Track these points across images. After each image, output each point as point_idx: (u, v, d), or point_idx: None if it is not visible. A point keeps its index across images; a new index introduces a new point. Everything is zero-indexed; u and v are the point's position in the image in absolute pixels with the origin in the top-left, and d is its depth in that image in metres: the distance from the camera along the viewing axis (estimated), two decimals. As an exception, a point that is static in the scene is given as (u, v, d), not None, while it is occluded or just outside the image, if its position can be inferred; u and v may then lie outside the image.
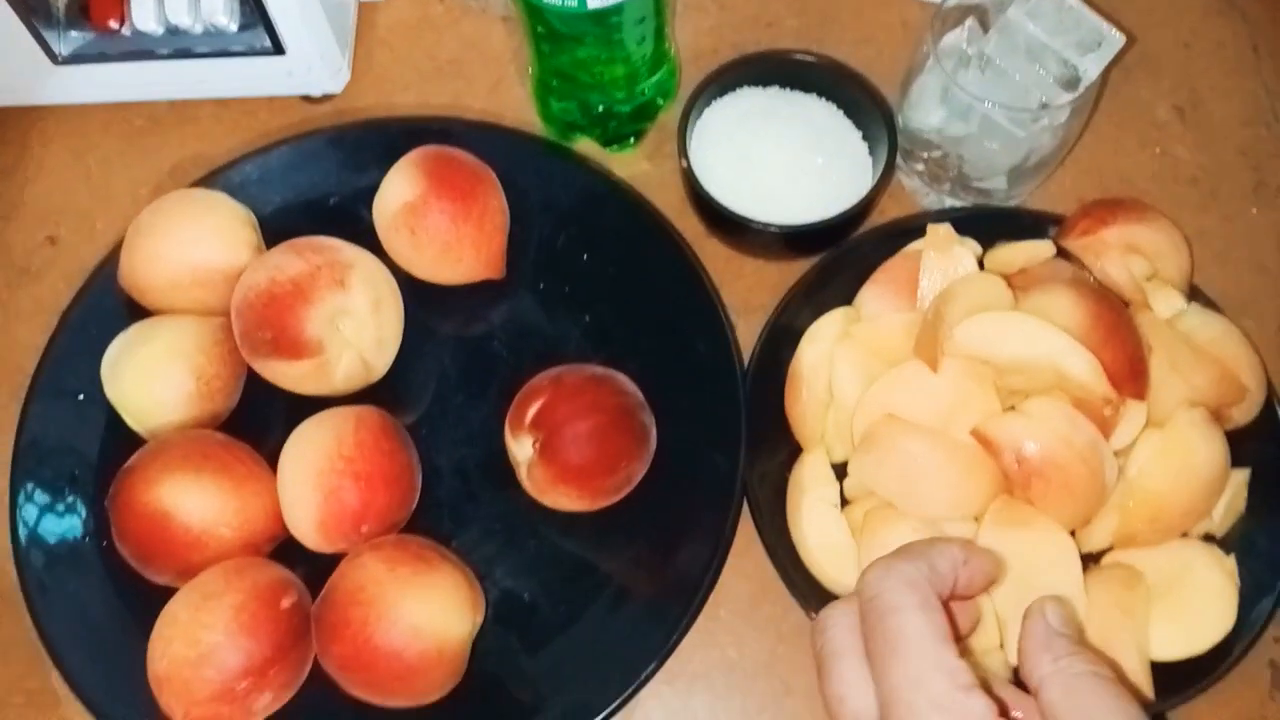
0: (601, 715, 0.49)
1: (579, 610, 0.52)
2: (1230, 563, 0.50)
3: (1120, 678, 0.46)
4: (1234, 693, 0.50)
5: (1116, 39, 0.51)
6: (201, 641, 0.45)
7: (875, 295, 0.54)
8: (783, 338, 0.55)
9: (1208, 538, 0.51)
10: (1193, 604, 0.49)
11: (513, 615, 0.52)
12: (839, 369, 0.52)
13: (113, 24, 0.58)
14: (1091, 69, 0.51)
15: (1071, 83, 0.52)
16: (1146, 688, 0.47)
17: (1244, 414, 0.51)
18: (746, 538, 0.53)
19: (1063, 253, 0.55)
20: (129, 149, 0.65)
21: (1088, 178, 0.62)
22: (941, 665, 0.34)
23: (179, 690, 0.45)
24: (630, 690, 0.49)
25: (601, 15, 0.52)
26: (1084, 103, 0.52)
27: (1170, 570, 0.49)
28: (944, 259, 0.53)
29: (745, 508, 0.53)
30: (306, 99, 0.65)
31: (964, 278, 0.52)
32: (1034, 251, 0.55)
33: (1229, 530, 0.51)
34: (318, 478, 0.48)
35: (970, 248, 0.54)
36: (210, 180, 0.60)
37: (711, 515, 0.52)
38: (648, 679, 0.49)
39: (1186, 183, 0.62)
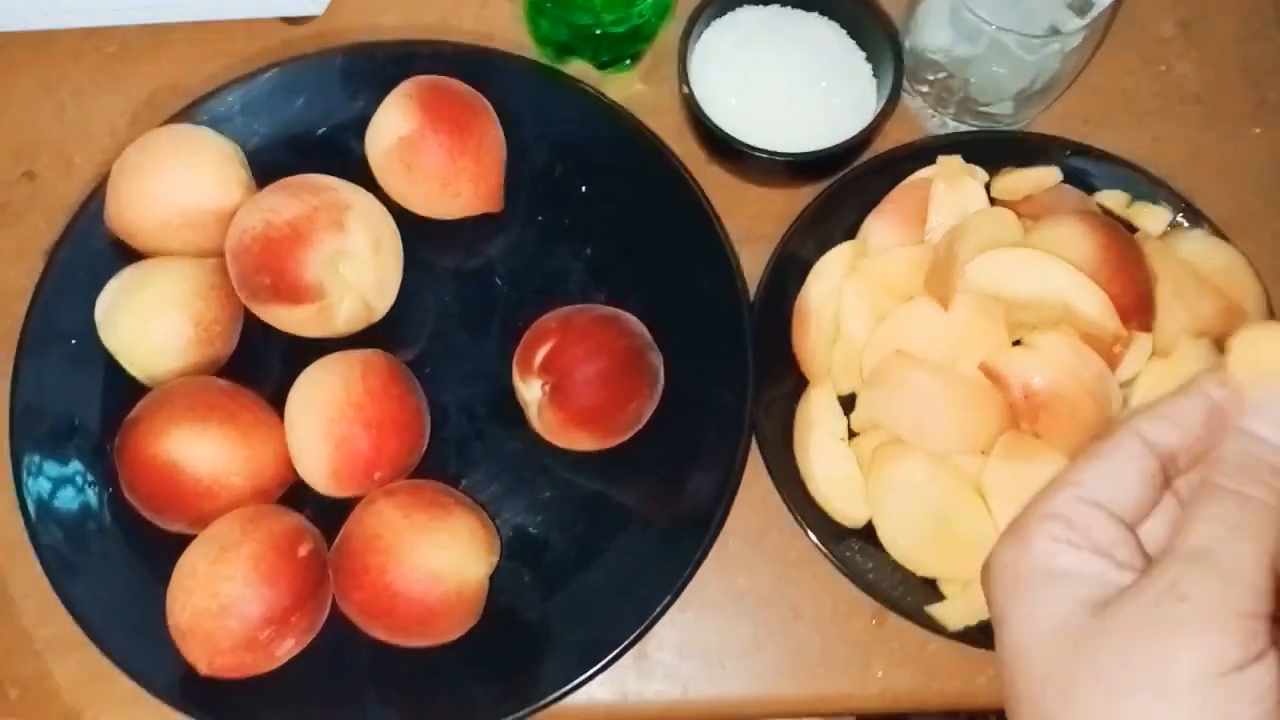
0: (618, 648, 0.50)
1: (592, 546, 0.53)
2: None
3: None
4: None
5: (1133, -38, 0.50)
6: (222, 593, 0.45)
7: (882, 226, 0.54)
8: (788, 269, 0.55)
9: None
10: None
11: (526, 552, 0.53)
12: (847, 304, 0.52)
13: (79, -53, 0.55)
14: (1106, -7, 0.50)
15: (1083, 7, 0.51)
16: None
17: None
18: (753, 469, 0.53)
19: (1069, 178, 0.55)
20: (102, 77, 0.62)
21: (1093, 97, 0.61)
22: (1075, 495, 0.33)
23: (203, 640, 0.45)
24: (645, 624, 0.50)
25: (601, -63, 0.50)
26: (1095, 28, 0.51)
27: None
28: (954, 192, 0.52)
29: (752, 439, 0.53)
30: (286, 21, 0.63)
31: (975, 213, 0.51)
32: (1041, 178, 0.55)
33: None
34: (328, 426, 0.48)
35: (978, 176, 0.54)
36: (191, 112, 0.57)
37: (721, 448, 0.53)
38: (663, 612, 0.50)
39: (1190, 101, 0.61)
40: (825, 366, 0.53)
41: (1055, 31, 0.51)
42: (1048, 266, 0.49)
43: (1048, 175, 0.55)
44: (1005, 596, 0.33)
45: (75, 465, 0.53)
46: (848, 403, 0.53)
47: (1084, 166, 0.56)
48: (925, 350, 0.49)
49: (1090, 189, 0.55)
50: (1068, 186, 0.55)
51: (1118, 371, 0.49)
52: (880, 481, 0.50)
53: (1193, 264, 0.52)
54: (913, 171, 0.55)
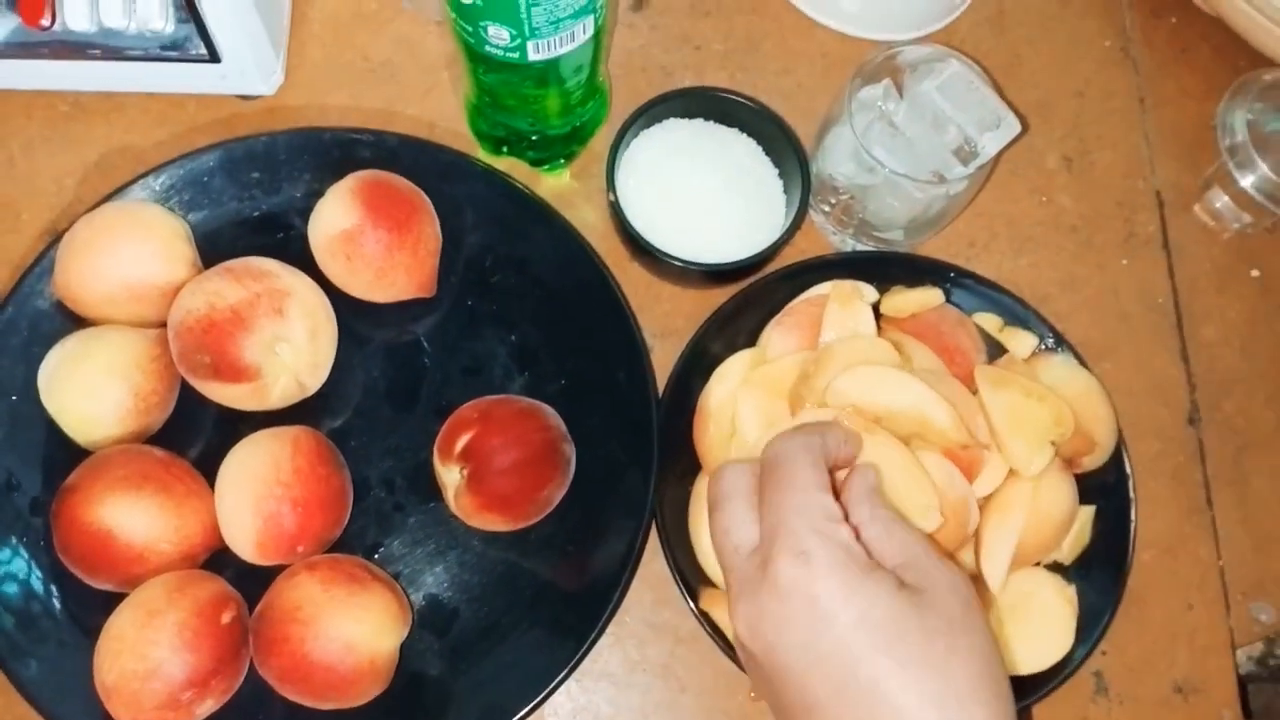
0: (516, 717, 0.54)
1: (499, 617, 0.57)
2: (1071, 590, 0.57)
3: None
4: (1061, 697, 0.58)
5: (1014, 125, 0.56)
6: (148, 657, 0.48)
7: (780, 336, 0.59)
8: (696, 366, 0.59)
9: (1055, 565, 0.58)
10: (1037, 626, 0.56)
11: (436, 621, 0.57)
12: (742, 409, 0.57)
13: (43, 23, 0.58)
14: (989, 147, 0.56)
15: (969, 155, 0.57)
16: None
17: (1094, 461, 0.58)
18: (652, 549, 0.58)
19: (951, 299, 0.61)
20: (54, 136, 0.65)
21: (979, 220, 0.67)
22: (821, 502, 0.43)
23: (128, 700, 0.48)
24: (544, 694, 0.54)
25: (540, 64, 0.54)
26: (978, 176, 0.57)
27: (1018, 595, 0.56)
28: (845, 312, 0.57)
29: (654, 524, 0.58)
30: (238, 96, 0.66)
31: (843, 339, 0.57)
32: (925, 299, 0.60)
33: (1075, 558, 0.58)
34: (256, 503, 0.51)
35: (868, 297, 0.59)
36: (141, 182, 0.60)
37: (624, 530, 0.57)
38: (562, 682, 0.55)
39: (1067, 230, 0.68)
40: (721, 461, 0.58)
41: (941, 178, 0.57)
42: (903, 382, 0.54)
43: (932, 296, 0.60)
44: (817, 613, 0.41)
45: (11, 523, 0.55)
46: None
47: (965, 289, 0.62)
48: None
49: (969, 310, 0.61)
50: (949, 307, 0.61)
51: (976, 484, 0.55)
52: (763, 570, 0.56)
53: (1053, 386, 0.58)
54: (814, 284, 0.61)
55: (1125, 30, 0.73)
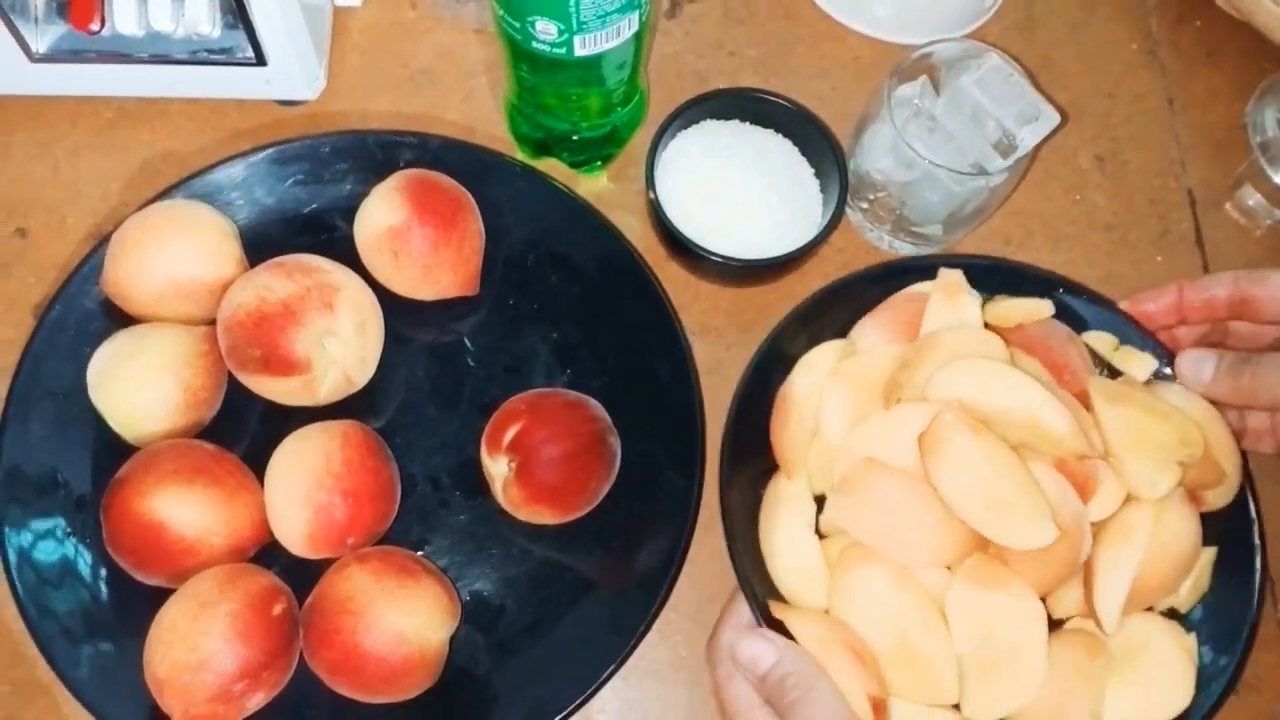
0: (564, 713, 0.53)
1: (545, 613, 0.57)
2: (1190, 640, 0.51)
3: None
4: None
5: (1053, 116, 0.56)
6: (200, 648, 0.48)
7: (873, 329, 0.55)
8: (774, 363, 0.54)
9: (1171, 611, 0.52)
10: (1152, 677, 0.50)
11: (482, 617, 0.56)
12: (827, 404, 0.52)
13: (93, 26, 0.58)
14: (1028, 139, 0.57)
15: (1008, 149, 0.57)
16: None
17: (1219, 498, 0.52)
18: (697, 544, 0.58)
19: (1060, 314, 0.55)
20: (98, 142, 0.66)
21: (1015, 219, 0.68)
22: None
23: (179, 692, 0.48)
24: (591, 690, 0.54)
25: (585, 59, 0.55)
26: (1018, 169, 0.57)
27: (1132, 643, 0.51)
28: (950, 306, 0.53)
29: (703, 517, 0.57)
30: (280, 101, 0.66)
31: (950, 328, 0.52)
32: (1033, 309, 0.54)
33: (1192, 606, 0.52)
34: (307, 494, 0.51)
35: (975, 297, 0.54)
36: (186, 184, 0.61)
37: (669, 525, 0.57)
38: (608, 679, 0.54)
39: (1102, 229, 0.68)
40: (801, 459, 0.52)
41: (982, 169, 0.58)
42: (1016, 379, 0.49)
43: (1040, 307, 0.55)
44: None
45: (57, 519, 0.55)
46: (821, 504, 0.52)
47: (1075, 305, 0.56)
48: (900, 459, 0.49)
49: (1079, 327, 0.56)
50: (1056, 322, 0.55)
51: (1090, 507, 0.50)
52: (844, 583, 0.50)
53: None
54: (906, 285, 0.56)
55: (1152, 34, 0.74)
